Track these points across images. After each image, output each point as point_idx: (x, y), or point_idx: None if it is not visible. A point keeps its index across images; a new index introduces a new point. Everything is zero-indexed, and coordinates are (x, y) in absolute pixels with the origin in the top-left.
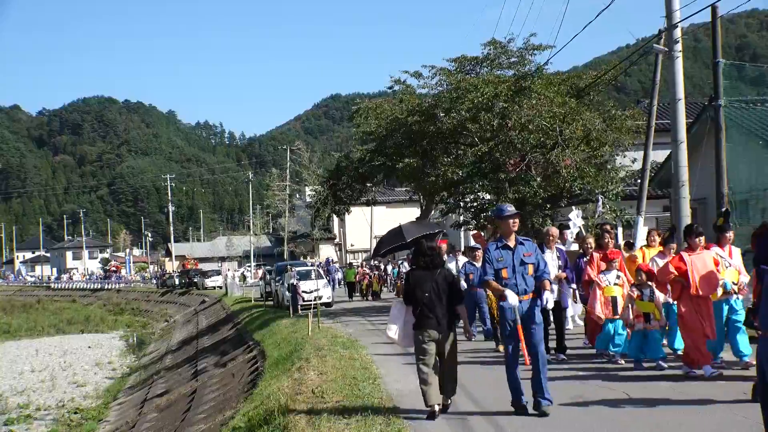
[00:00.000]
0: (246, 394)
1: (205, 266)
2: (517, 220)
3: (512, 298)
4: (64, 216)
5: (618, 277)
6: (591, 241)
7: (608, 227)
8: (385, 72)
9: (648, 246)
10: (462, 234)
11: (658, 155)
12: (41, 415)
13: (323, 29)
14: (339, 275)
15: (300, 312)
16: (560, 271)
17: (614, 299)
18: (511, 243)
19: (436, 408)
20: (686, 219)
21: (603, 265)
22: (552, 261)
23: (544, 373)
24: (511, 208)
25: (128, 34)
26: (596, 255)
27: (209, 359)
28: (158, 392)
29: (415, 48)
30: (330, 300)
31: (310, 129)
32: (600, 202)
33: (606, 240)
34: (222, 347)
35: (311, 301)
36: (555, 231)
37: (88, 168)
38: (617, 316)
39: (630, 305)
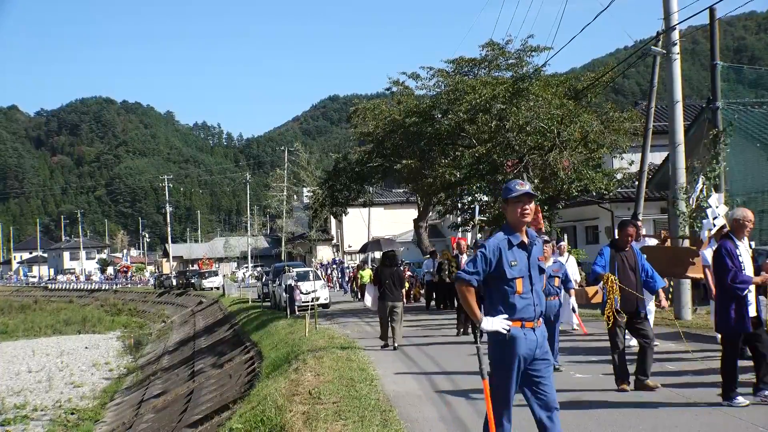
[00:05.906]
0: (243, 395)
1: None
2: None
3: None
4: (62, 216)
5: None
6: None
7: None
8: (383, 73)
9: None
10: (459, 234)
11: (656, 157)
12: (38, 415)
13: (322, 30)
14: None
15: (297, 313)
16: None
17: None
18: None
19: (388, 343)
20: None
21: None
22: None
23: None
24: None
25: (126, 34)
26: None
27: (206, 360)
28: (155, 393)
29: (413, 50)
30: (327, 301)
31: (308, 130)
32: (699, 183)
33: None
34: (219, 348)
35: (308, 302)
36: (750, 215)
37: (86, 168)
38: None
39: None
